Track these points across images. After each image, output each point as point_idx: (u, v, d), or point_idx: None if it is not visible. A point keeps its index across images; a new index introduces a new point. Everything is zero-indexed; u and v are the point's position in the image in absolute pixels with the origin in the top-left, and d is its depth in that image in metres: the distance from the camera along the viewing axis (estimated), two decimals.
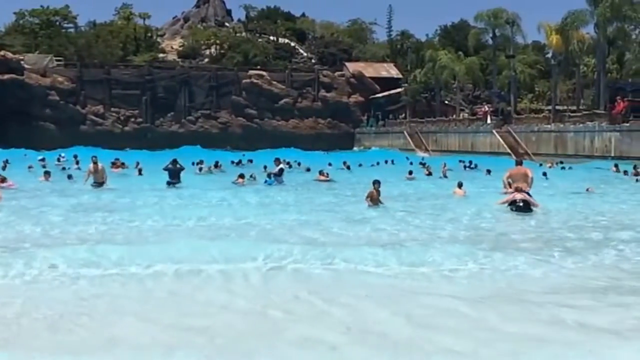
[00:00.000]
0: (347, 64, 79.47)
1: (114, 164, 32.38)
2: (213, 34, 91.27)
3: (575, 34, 49.33)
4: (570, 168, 34.46)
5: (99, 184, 22.72)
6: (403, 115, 68.86)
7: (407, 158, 44.51)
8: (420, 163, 37.09)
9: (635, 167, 29.06)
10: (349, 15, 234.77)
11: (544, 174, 27.81)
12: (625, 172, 29.31)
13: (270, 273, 9.11)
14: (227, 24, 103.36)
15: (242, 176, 25.61)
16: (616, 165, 32.16)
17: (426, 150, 55.99)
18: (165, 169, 24.16)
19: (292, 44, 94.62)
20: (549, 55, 64.53)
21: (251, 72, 73.28)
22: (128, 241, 11.79)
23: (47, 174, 26.02)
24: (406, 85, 71.54)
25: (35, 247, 11.01)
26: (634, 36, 52.41)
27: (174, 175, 23.80)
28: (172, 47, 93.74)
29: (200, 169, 32.38)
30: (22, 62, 68.19)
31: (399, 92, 71.53)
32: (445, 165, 31.50)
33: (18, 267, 9.08)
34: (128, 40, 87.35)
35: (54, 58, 75.01)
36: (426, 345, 6.14)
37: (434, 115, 63.40)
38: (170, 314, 7.12)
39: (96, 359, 5.94)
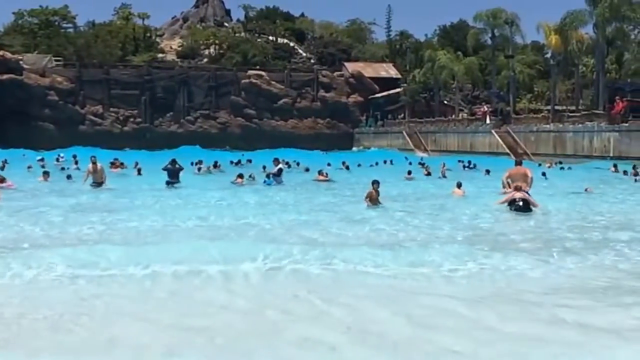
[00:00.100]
0: (346, 64, 79.49)
1: (113, 164, 32.37)
2: (212, 34, 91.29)
3: (574, 34, 49.35)
4: (569, 168, 34.48)
5: (98, 184, 22.71)
6: (402, 115, 68.88)
7: (406, 158, 44.52)
8: (419, 163, 37.11)
9: (634, 167, 29.07)
10: (348, 15, 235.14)
11: (543, 174, 27.84)
12: (625, 172, 29.32)
13: (269, 273, 9.11)
14: (226, 24, 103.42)
15: (241, 176, 25.61)
16: (615, 166, 32.18)
17: (425, 150, 56.00)
18: (164, 169, 24.16)
19: (291, 44, 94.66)
20: (548, 55, 64.57)
21: (250, 72, 73.31)
22: (127, 241, 11.78)
23: (46, 174, 26.01)
24: (405, 85, 71.57)
25: (34, 247, 11.01)
26: (632, 36, 52.45)
27: (173, 175, 23.80)
28: (171, 47, 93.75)
29: (199, 169, 32.36)
30: (21, 62, 68.23)
31: (398, 92, 71.56)
32: (444, 165, 31.49)
33: (17, 267, 9.07)
34: (127, 40, 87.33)
35: (53, 58, 75.02)
36: (426, 346, 6.14)
37: (433, 116, 63.43)
38: (169, 314, 7.12)
39: (96, 359, 5.94)
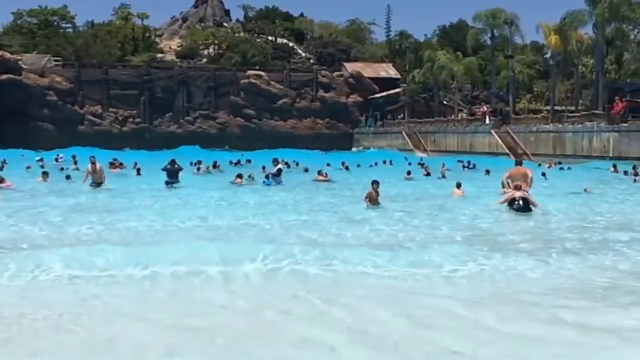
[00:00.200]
0: (345, 64, 79.46)
1: (112, 164, 32.35)
2: (211, 34, 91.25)
3: (573, 34, 49.36)
4: (568, 168, 34.48)
5: (97, 184, 22.69)
6: (401, 115, 68.87)
7: (406, 158, 44.53)
8: (419, 163, 37.09)
9: (634, 168, 29.07)
10: (348, 15, 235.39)
11: (543, 174, 27.85)
12: (626, 172, 29.30)
13: (269, 273, 9.10)
14: (225, 24, 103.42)
15: (240, 176, 25.60)
16: (614, 166, 32.20)
17: (425, 150, 55.99)
18: (164, 169, 24.15)
19: (291, 44, 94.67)
20: (548, 55, 64.59)
21: (249, 72, 73.30)
22: (126, 242, 11.76)
23: (45, 174, 26.00)
24: (405, 85, 71.56)
25: (33, 247, 11.00)
26: (632, 36, 52.39)
27: (173, 175, 23.79)
28: (170, 47, 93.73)
29: (199, 169, 32.36)
30: (20, 62, 68.19)
31: (397, 93, 71.55)
32: (443, 166, 31.49)
33: (16, 267, 9.06)
34: (126, 40, 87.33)
35: (52, 58, 75.03)
36: (425, 346, 6.14)
37: (433, 116, 63.43)
38: (169, 314, 7.11)
39: (96, 359, 5.93)
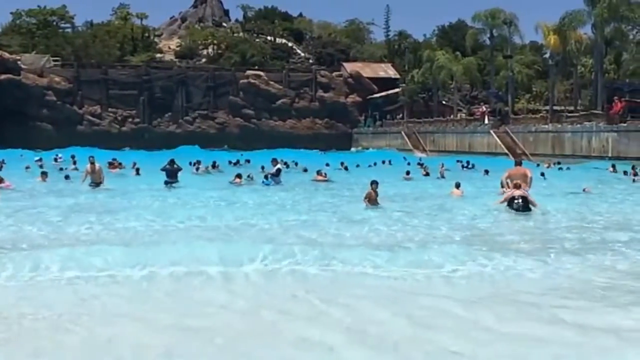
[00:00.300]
0: (344, 64, 79.45)
1: (111, 164, 32.32)
2: (210, 34, 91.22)
3: (572, 34, 49.37)
4: (568, 168, 34.49)
5: (96, 184, 22.68)
6: (401, 115, 68.86)
7: (405, 158, 44.52)
8: (418, 163, 37.07)
9: (633, 168, 29.08)
10: (347, 15, 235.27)
11: (542, 174, 27.87)
12: (626, 173, 29.30)
13: (268, 273, 9.10)
14: (224, 24, 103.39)
15: (239, 176, 25.59)
16: (613, 166, 32.20)
17: (424, 150, 55.99)
18: (163, 169, 24.14)
19: (290, 44, 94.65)
20: (547, 55, 64.65)
21: (248, 72, 73.28)
22: (125, 242, 11.76)
23: (44, 174, 25.99)
24: (404, 85, 71.55)
25: (32, 247, 11.00)
26: (631, 36, 52.50)
27: (172, 175, 23.79)
28: (169, 47, 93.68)
29: (198, 169, 32.34)
30: (19, 62, 68.13)
31: (396, 93, 71.55)
32: (442, 166, 31.49)
33: (16, 267, 9.06)
34: (125, 40, 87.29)
35: (51, 58, 74.98)
36: (424, 346, 6.14)
37: (432, 116, 63.43)
38: (168, 315, 7.11)
39: (95, 359, 5.93)
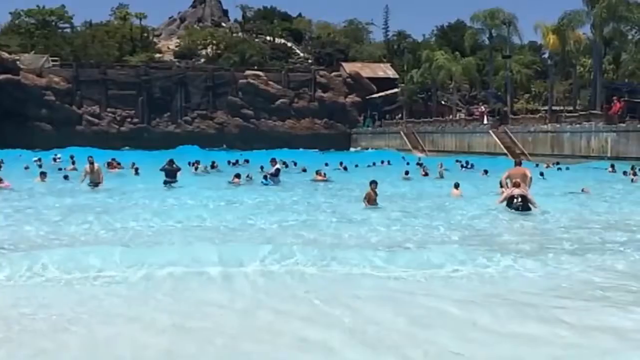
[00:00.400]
0: (343, 64, 79.47)
1: (110, 164, 32.32)
2: (209, 34, 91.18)
3: (571, 34, 49.42)
4: (567, 168, 34.49)
5: (95, 184, 22.67)
6: (400, 115, 68.87)
7: (404, 158, 44.54)
8: (417, 163, 37.10)
9: (633, 168, 29.08)
10: (346, 15, 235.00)
11: (541, 174, 27.88)
12: (625, 173, 29.29)
13: (267, 273, 9.09)
14: (223, 24, 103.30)
15: (238, 176, 25.58)
16: (612, 166, 32.20)
17: (423, 150, 55.98)
18: (162, 169, 24.12)
19: (289, 44, 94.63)
20: (546, 55, 64.86)
21: (248, 72, 73.29)
22: (124, 242, 11.75)
23: (42, 174, 25.94)
24: (403, 85, 71.59)
25: (31, 247, 10.99)
26: (630, 37, 52.46)
27: (171, 175, 23.77)
28: (168, 47, 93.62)
29: (197, 169, 32.33)
30: (17, 62, 68.12)
31: (395, 93, 71.60)
32: (441, 166, 31.48)
33: (14, 268, 9.04)
34: (124, 40, 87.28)
35: (50, 58, 74.93)
36: (424, 346, 6.13)
37: (431, 116, 63.43)
38: (167, 315, 7.10)
39: (95, 359, 5.92)
